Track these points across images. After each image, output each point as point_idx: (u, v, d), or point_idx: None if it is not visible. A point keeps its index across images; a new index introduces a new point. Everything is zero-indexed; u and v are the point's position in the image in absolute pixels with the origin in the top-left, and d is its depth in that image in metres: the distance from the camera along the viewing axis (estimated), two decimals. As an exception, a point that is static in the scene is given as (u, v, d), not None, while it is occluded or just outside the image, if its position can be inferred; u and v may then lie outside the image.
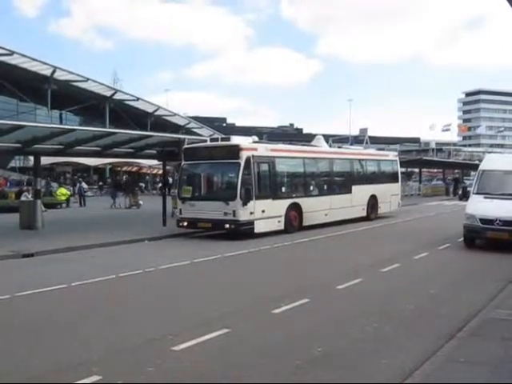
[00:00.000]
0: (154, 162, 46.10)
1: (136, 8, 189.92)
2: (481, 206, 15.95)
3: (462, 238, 17.02)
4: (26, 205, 21.14)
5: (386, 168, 26.75)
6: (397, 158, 28.00)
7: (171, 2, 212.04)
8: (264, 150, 18.99)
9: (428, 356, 6.45)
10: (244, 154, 17.61)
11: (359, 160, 24.67)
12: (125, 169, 55.22)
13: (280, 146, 21.12)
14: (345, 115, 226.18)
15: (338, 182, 23.04)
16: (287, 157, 20.22)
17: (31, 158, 39.20)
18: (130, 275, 11.81)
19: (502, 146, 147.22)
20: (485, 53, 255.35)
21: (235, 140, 18.55)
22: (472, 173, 76.91)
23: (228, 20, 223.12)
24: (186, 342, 7.07)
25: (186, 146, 19.66)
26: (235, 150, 17.72)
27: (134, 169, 55.24)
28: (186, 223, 18.66)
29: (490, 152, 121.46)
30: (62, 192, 33.40)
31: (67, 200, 33.25)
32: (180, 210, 19.04)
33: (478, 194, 16.80)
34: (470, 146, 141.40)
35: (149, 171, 56.42)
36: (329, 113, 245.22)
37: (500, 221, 15.21)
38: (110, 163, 50.84)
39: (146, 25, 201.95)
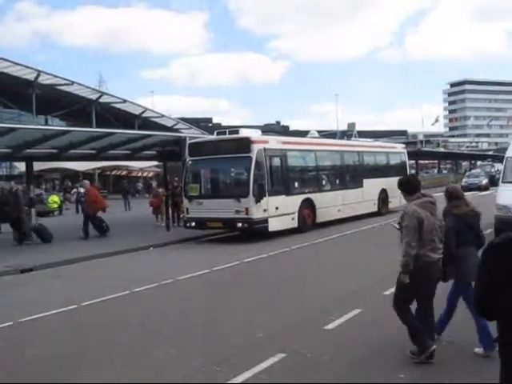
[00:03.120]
0: (147, 164, 44.83)
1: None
2: None
3: (489, 230, 15.93)
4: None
5: (395, 160, 25.69)
6: (404, 150, 26.94)
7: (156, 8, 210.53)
8: (275, 142, 17.79)
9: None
10: (255, 147, 16.35)
11: (369, 152, 23.61)
12: (114, 173, 53.78)
13: (291, 138, 20.04)
14: (324, 110, 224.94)
15: (350, 176, 21.97)
16: (299, 150, 19.10)
17: (19, 164, 37.86)
18: (145, 290, 10.46)
19: (488, 135, 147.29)
20: (469, 43, 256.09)
21: (244, 132, 17.30)
22: (463, 163, 76.89)
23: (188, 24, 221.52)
24: (238, 374, 5.80)
25: (190, 141, 18.40)
26: (246, 143, 16.45)
27: (124, 172, 53.82)
28: (193, 223, 17.42)
29: (477, 142, 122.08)
30: (54, 199, 32.00)
31: (59, 207, 31.88)
32: (187, 209, 17.80)
33: (507, 182, 15.75)
34: (457, 136, 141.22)
35: (139, 174, 55.00)
36: (309, 109, 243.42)
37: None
38: (98, 168, 49.38)
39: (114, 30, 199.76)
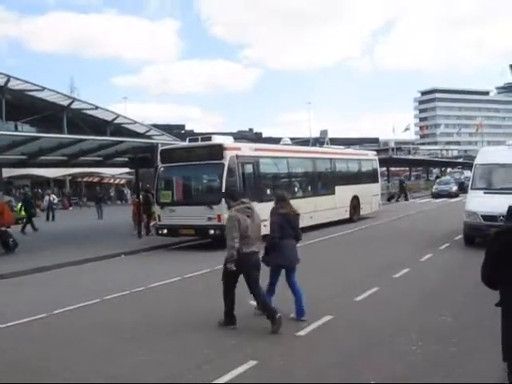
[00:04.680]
0: (118, 171, 44.44)
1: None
2: (482, 202, 15.11)
3: (459, 236, 16.27)
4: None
5: (367, 168, 25.94)
6: (376, 158, 27.20)
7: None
8: (248, 149, 17.75)
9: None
10: (228, 154, 16.31)
11: (342, 159, 23.73)
12: (86, 179, 53.22)
13: (263, 145, 20.03)
14: (297, 118, 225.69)
15: (322, 183, 22.06)
16: (272, 157, 19.06)
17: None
18: (116, 297, 10.36)
19: (458, 143, 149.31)
20: (439, 51, 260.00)
21: (217, 139, 17.23)
22: (434, 170, 77.83)
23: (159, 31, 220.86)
24: (211, 381, 5.78)
25: (162, 147, 18.27)
26: (218, 150, 16.40)
27: (96, 179, 53.30)
28: (165, 230, 17.29)
29: (447, 149, 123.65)
30: (24, 206, 31.36)
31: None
32: (158, 216, 17.65)
33: (476, 189, 15.98)
34: (428, 144, 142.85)
35: (111, 181, 54.53)
36: (281, 117, 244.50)
37: (504, 216, 14.34)
38: (69, 174, 48.81)
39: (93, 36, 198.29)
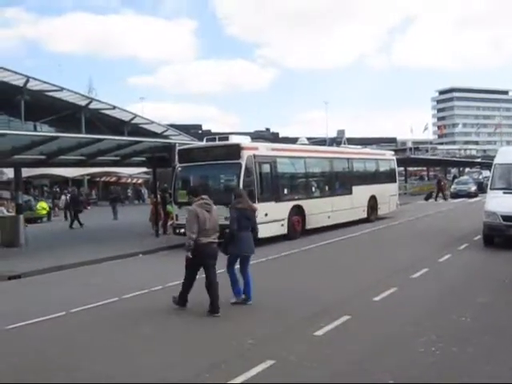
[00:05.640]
0: (136, 170, 44.61)
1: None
2: (502, 203, 15.00)
3: (478, 237, 16.12)
4: (6, 221, 19.51)
5: (384, 167, 25.77)
6: (394, 157, 27.01)
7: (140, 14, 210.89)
8: (265, 149, 17.75)
9: None
10: (245, 154, 16.33)
11: (359, 159, 23.62)
12: (103, 179, 53.49)
13: (280, 145, 19.99)
14: (314, 117, 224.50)
15: (340, 183, 21.95)
16: (289, 156, 19.03)
17: (7, 170, 37.47)
18: (134, 296, 10.40)
19: (476, 142, 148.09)
20: (457, 50, 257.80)
21: (234, 139, 17.24)
22: (452, 170, 77.21)
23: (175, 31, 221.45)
24: (228, 380, 5.78)
25: (180, 147, 18.31)
26: (235, 150, 16.42)
27: (113, 179, 53.55)
28: (183, 230, 17.29)
29: (465, 149, 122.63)
30: (43, 206, 31.74)
31: (48, 214, 31.62)
32: (176, 216, 17.71)
33: (495, 189, 15.85)
34: (446, 143, 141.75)
35: (129, 180, 54.76)
36: (298, 116, 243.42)
37: (523, 217, 14.26)
38: (87, 174, 49.08)
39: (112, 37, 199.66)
